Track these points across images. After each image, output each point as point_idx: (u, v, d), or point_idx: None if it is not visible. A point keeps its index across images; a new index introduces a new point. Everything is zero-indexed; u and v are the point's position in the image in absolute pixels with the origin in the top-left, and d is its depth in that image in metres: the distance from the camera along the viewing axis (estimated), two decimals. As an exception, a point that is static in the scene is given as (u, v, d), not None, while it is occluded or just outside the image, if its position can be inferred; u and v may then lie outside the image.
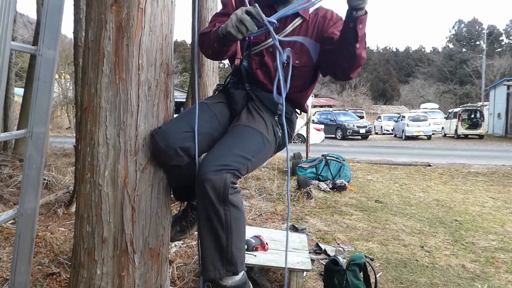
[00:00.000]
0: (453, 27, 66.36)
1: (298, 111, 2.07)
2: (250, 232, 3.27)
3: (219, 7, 4.55)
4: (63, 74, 23.70)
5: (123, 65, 1.61)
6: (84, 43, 1.67)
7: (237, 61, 1.89)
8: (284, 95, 1.68)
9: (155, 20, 1.66)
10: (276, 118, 1.89)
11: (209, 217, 1.56)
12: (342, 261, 3.05)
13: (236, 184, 1.60)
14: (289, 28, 1.87)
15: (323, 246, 3.91)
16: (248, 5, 1.77)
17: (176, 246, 3.60)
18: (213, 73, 5.08)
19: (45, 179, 6.00)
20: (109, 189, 1.63)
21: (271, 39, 1.86)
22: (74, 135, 5.52)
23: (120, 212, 1.64)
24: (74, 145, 5.23)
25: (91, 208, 1.65)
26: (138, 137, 1.65)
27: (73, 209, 4.66)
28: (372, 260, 3.64)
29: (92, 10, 1.64)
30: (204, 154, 1.74)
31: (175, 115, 1.84)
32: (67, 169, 6.88)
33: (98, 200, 1.64)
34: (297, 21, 1.88)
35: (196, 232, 1.97)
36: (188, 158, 1.68)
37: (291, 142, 2.08)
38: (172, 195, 1.93)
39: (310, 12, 1.90)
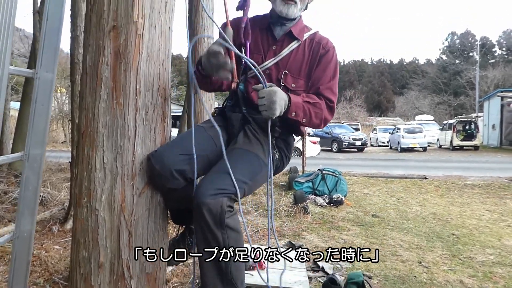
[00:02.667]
0: (446, 39, 67.22)
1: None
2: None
3: (215, 24, 4.57)
4: (59, 88, 23.67)
5: (120, 90, 1.61)
6: (82, 69, 1.68)
7: (233, 85, 1.91)
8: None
9: (152, 46, 1.67)
10: (273, 141, 1.90)
11: (207, 240, 1.56)
12: (340, 279, 3.04)
13: (233, 207, 1.60)
14: (285, 51, 1.89)
15: (320, 263, 3.89)
16: (242, 34, 1.82)
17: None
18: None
19: (40, 195, 5.95)
20: (105, 214, 1.63)
21: (268, 62, 1.89)
22: (70, 149, 5.50)
23: (117, 237, 1.63)
24: (69, 162, 5.21)
25: (87, 233, 1.64)
26: (135, 162, 1.65)
27: (68, 226, 4.63)
28: (370, 278, 3.62)
29: (90, 36, 1.65)
30: (201, 177, 1.74)
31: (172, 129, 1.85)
32: (62, 185, 6.84)
33: (95, 225, 1.63)
34: (293, 45, 1.91)
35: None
36: (184, 181, 1.68)
37: (288, 163, 2.08)
38: (169, 219, 1.92)
39: (306, 37, 1.93)
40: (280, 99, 1.64)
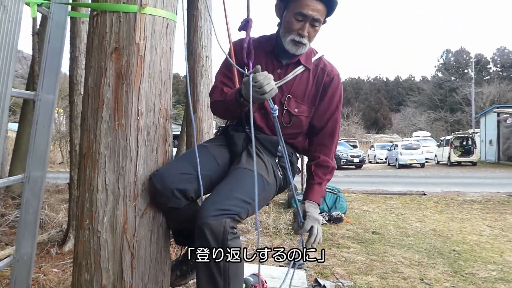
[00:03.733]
0: (441, 56, 67.88)
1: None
2: (248, 269, 3.21)
3: (213, 44, 4.56)
4: (57, 108, 23.68)
5: (122, 111, 1.62)
6: (84, 90, 1.69)
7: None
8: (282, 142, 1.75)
9: (154, 67, 1.68)
10: (276, 160, 1.90)
11: (207, 262, 1.54)
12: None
13: (235, 228, 1.58)
14: (290, 75, 1.89)
15: (322, 281, 3.85)
16: (245, 54, 1.82)
17: (173, 285, 3.52)
18: (208, 108, 5.11)
19: (38, 217, 5.90)
20: (108, 236, 1.61)
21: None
22: (67, 170, 5.47)
23: (119, 259, 1.61)
24: (67, 183, 5.18)
25: (89, 256, 1.62)
26: (137, 182, 1.64)
27: (66, 248, 4.58)
28: (372, 295, 3.58)
29: (92, 58, 1.66)
30: (204, 196, 1.73)
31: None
32: (60, 206, 6.77)
33: (97, 247, 1.61)
34: (299, 70, 1.91)
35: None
36: (186, 200, 1.67)
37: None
38: (172, 240, 1.90)
39: (312, 62, 1.93)
40: (319, 219, 2.04)
